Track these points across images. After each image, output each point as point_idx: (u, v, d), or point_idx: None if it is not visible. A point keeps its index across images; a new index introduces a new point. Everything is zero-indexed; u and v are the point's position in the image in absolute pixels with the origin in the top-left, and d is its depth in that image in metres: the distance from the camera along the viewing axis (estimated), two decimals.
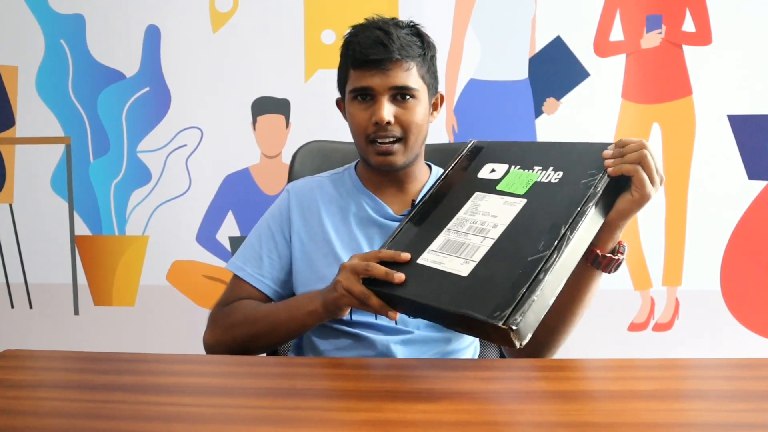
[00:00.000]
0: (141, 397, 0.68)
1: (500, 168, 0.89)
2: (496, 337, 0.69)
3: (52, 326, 1.99)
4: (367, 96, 1.01)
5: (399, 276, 0.80)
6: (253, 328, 0.99)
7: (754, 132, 1.79)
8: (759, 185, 1.81)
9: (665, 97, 1.82)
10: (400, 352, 1.00)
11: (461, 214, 0.84)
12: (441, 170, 1.15)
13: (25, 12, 1.90)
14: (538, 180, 0.82)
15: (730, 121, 1.80)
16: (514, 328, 0.66)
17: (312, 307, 0.93)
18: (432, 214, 0.88)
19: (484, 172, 0.90)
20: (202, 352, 1.04)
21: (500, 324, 0.66)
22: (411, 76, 1.01)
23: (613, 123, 1.83)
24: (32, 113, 1.93)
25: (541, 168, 0.84)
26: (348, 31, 1.05)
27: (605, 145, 0.82)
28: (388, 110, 0.99)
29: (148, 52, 1.89)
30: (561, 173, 0.82)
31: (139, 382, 0.74)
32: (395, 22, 1.04)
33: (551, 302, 0.71)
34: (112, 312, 1.98)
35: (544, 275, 0.69)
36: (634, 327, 1.88)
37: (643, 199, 0.80)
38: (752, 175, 1.81)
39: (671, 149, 1.82)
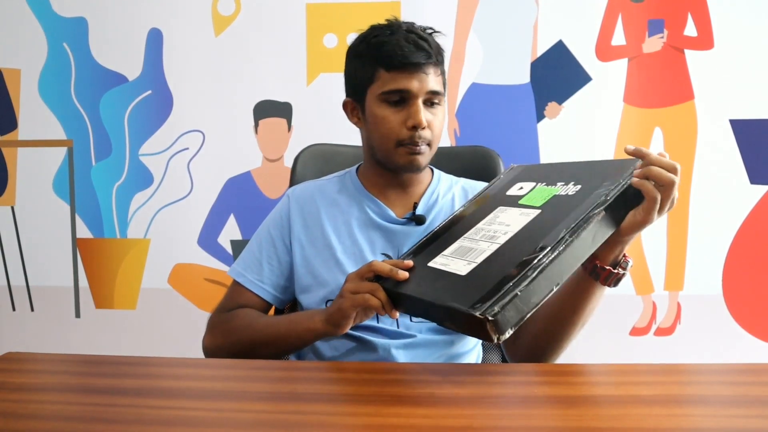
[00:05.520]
0: (142, 400, 0.68)
1: (527, 186, 0.92)
2: (478, 331, 0.67)
3: (54, 329, 1.99)
4: (399, 99, 1.00)
5: (403, 273, 0.82)
6: (252, 337, 0.99)
7: (756, 136, 1.79)
8: (761, 190, 1.81)
9: (667, 102, 1.82)
10: (402, 356, 0.99)
11: (480, 224, 0.87)
12: (443, 174, 1.15)
13: (28, 15, 1.91)
14: (558, 193, 0.84)
15: (732, 126, 1.80)
16: (490, 318, 0.65)
17: (311, 324, 0.93)
18: (455, 227, 0.91)
19: (513, 190, 0.93)
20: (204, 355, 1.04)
21: (477, 314, 0.65)
22: (440, 81, 1.02)
23: (615, 127, 1.83)
24: (35, 116, 1.94)
25: (563, 183, 0.86)
26: (369, 32, 1.03)
27: (630, 161, 0.82)
28: (424, 114, 1.00)
29: (150, 55, 1.90)
30: (579, 186, 0.82)
31: (140, 385, 0.74)
32: (419, 27, 1.03)
33: (538, 301, 0.69)
34: (114, 315, 1.98)
35: (533, 272, 0.69)
36: (636, 332, 1.87)
37: (646, 222, 0.78)
38: (754, 179, 1.81)
39: (673, 153, 1.80)
